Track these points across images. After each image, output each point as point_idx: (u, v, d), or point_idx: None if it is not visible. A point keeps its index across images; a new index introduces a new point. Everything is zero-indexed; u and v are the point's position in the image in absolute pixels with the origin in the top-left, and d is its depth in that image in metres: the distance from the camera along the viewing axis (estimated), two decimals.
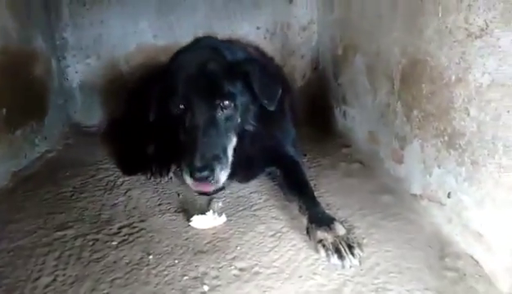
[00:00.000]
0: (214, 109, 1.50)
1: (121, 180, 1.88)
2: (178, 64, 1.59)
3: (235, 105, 1.53)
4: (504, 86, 1.07)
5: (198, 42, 1.70)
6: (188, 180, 1.45)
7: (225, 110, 1.51)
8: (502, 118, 1.08)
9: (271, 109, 1.54)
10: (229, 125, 1.53)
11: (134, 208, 1.64)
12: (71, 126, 2.55)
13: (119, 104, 2.50)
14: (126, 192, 1.77)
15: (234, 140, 1.55)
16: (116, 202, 1.69)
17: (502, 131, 1.09)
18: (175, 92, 1.51)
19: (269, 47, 2.48)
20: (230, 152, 1.52)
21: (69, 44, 2.56)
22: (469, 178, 1.23)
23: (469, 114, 1.21)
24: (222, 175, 1.46)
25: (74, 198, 1.74)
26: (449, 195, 1.32)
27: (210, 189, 1.48)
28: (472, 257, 1.23)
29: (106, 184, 1.84)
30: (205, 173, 1.40)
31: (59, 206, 1.67)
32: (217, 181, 1.45)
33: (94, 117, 2.63)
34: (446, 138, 1.33)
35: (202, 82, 1.49)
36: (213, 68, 1.51)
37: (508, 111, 1.06)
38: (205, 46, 1.64)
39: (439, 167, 1.38)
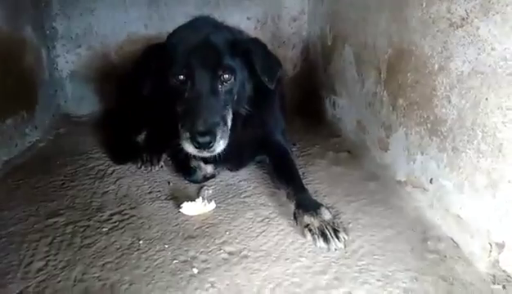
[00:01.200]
0: (216, 80, 1.50)
1: (112, 169, 1.89)
2: (178, 38, 1.59)
3: (234, 80, 1.54)
4: (483, 75, 1.11)
5: (197, 20, 1.70)
6: (188, 146, 1.44)
7: (225, 83, 1.52)
8: (481, 105, 1.12)
9: (271, 87, 1.56)
10: (228, 99, 1.54)
11: (125, 196, 1.66)
12: (62, 116, 2.55)
13: (109, 94, 2.50)
14: (116, 180, 1.78)
15: (231, 114, 1.56)
16: (107, 190, 1.71)
17: (481, 118, 1.13)
18: (175, 63, 1.51)
19: (260, 38, 2.49)
20: (229, 122, 1.53)
21: (59, 34, 2.54)
22: (449, 164, 1.27)
23: (450, 102, 1.25)
24: (222, 143, 1.45)
25: (64, 186, 1.75)
26: (431, 181, 1.37)
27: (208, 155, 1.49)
28: (452, 240, 1.28)
29: (97, 173, 1.85)
30: (207, 138, 1.40)
31: (50, 194, 1.69)
32: (216, 148, 1.44)
33: (85, 107, 2.62)
34: (428, 125, 1.37)
35: (204, 52, 1.50)
36: (215, 40, 1.53)
37: (486, 98, 1.10)
38: (205, 22, 1.66)
39: (422, 153, 1.42)
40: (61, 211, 1.56)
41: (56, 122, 2.45)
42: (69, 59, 2.62)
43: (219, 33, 1.57)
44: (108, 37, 2.59)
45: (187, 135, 1.42)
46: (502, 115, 1.04)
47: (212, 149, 1.42)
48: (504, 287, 1.08)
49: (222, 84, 1.51)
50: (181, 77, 1.50)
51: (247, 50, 1.55)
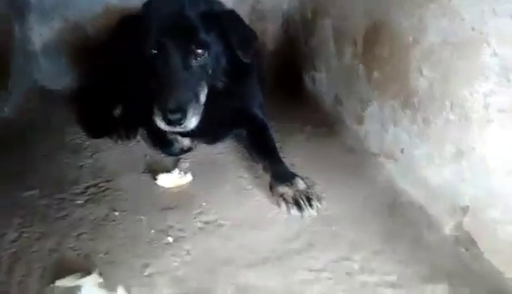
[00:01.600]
0: (189, 55, 1.47)
1: (87, 143, 1.86)
2: (152, 9, 1.54)
3: (208, 54, 1.51)
4: (453, 45, 1.13)
5: None
6: (160, 122, 1.44)
7: (199, 58, 1.48)
8: (450, 76, 1.15)
9: (246, 60, 1.54)
10: (202, 73, 1.50)
11: (101, 169, 1.65)
12: (36, 90, 2.48)
13: (85, 68, 2.44)
14: (92, 154, 1.77)
15: (205, 90, 1.54)
16: (82, 164, 1.69)
17: (450, 89, 1.16)
18: (148, 37, 1.47)
19: (239, 11, 2.43)
20: (202, 99, 1.51)
21: (32, 5, 2.45)
22: (420, 134, 1.31)
23: (422, 74, 1.28)
24: (194, 120, 1.45)
25: (39, 161, 1.72)
26: (402, 151, 1.41)
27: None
28: (420, 205, 1.32)
29: (72, 148, 1.82)
30: (178, 115, 1.40)
31: (24, 168, 1.66)
32: (187, 125, 1.44)
33: (60, 81, 2.55)
34: (402, 98, 1.39)
35: (177, 26, 1.46)
36: (189, 14, 1.49)
37: (455, 69, 1.13)
38: None
39: (395, 125, 1.45)
40: (36, 185, 1.53)
41: (30, 97, 2.39)
42: (43, 31, 2.53)
43: (194, 5, 1.52)
44: (83, 10, 2.51)
45: (159, 112, 1.41)
46: (469, 85, 1.07)
47: (183, 126, 1.42)
48: (467, 249, 1.13)
49: (195, 59, 1.48)
50: (154, 51, 1.47)
51: (222, 23, 1.51)
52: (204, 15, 1.51)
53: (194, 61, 1.48)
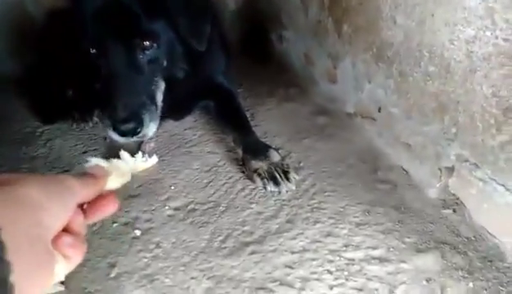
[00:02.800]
0: (134, 50, 1.25)
1: (40, 130, 1.70)
2: (83, 1, 1.29)
3: (158, 46, 1.28)
4: None
5: None
6: (112, 134, 1.22)
7: (147, 52, 1.26)
8: (427, 22, 1.04)
9: (201, 49, 1.32)
10: (154, 68, 1.29)
11: (56, 159, 1.50)
12: None
13: (30, 49, 2.21)
14: (46, 142, 1.61)
15: (162, 86, 1.33)
16: (36, 154, 1.54)
17: (428, 37, 1.05)
18: (83, 34, 1.25)
19: None
20: (159, 99, 1.30)
21: None
22: (397, 90, 1.21)
23: (395, 22, 1.16)
24: (152, 127, 1.25)
25: None
26: (379, 110, 1.31)
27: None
28: (402, 168, 1.25)
29: (24, 137, 1.66)
30: (131, 125, 1.18)
31: None
32: (146, 133, 1.24)
33: (2, 64, 2.32)
34: (374, 51, 1.28)
35: (115, 19, 1.22)
36: (129, 2, 1.25)
37: (432, 15, 1.01)
38: None
39: (370, 82, 1.35)
40: None
41: None
42: None
43: None
44: None
45: (108, 122, 1.20)
46: (449, 32, 0.96)
47: (141, 136, 1.22)
48: (454, 210, 1.07)
49: (142, 53, 1.25)
50: (93, 50, 1.25)
51: (167, 8, 1.28)
52: (147, 0, 1.26)
53: (141, 56, 1.26)
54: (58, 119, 1.72)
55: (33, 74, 2.06)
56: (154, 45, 1.27)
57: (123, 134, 1.20)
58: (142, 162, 1.40)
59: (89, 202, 0.59)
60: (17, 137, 1.66)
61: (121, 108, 1.18)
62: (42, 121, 1.74)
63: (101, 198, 0.61)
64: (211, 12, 1.47)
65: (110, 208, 0.61)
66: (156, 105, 1.28)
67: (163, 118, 1.41)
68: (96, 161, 0.90)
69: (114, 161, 0.96)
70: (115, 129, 1.19)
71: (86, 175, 0.61)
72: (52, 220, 0.47)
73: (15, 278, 0.40)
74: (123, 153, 0.99)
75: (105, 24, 1.22)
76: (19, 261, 0.40)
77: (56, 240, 0.48)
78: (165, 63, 1.33)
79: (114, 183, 0.72)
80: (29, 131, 1.70)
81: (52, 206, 0.48)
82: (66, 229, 0.51)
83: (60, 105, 1.75)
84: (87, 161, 0.89)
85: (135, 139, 1.26)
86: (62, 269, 0.50)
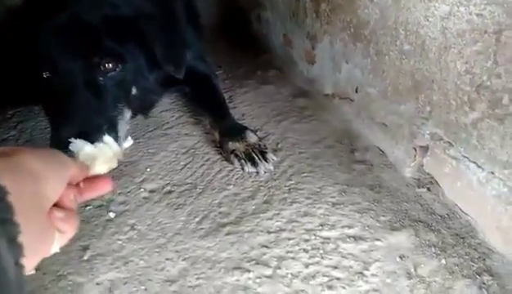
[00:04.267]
0: (92, 70, 1.09)
1: (11, 112, 1.64)
2: (37, 11, 1.15)
3: (123, 69, 1.14)
4: None
5: None
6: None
7: (109, 74, 1.12)
8: None
9: (180, 76, 1.21)
10: (118, 94, 1.14)
11: (28, 142, 1.45)
12: None
13: None
14: (17, 124, 1.55)
15: (127, 115, 1.19)
16: (6, 136, 1.49)
17: (403, 14, 1.04)
18: (36, 53, 1.10)
19: None
20: (121, 129, 1.13)
21: None
22: (373, 69, 1.20)
23: (372, 0, 1.14)
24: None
25: None
26: (356, 90, 1.31)
27: None
28: (378, 148, 1.25)
29: None
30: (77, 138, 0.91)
31: None
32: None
33: None
34: (352, 30, 1.27)
35: (74, 36, 1.08)
36: (90, 20, 1.11)
37: None
38: None
39: (347, 62, 1.34)
40: None
41: None
42: None
43: (94, 7, 1.13)
44: None
45: (52, 141, 1.02)
46: (424, 8, 0.96)
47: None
48: (428, 189, 1.08)
49: (103, 75, 1.11)
50: (47, 73, 1.10)
51: (139, 31, 1.15)
52: (111, 19, 1.13)
53: (101, 78, 1.11)
54: (30, 102, 1.66)
55: (4, 54, 1.99)
56: (118, 68, 1.13)
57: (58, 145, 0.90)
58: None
59: (85, 181, 0.60)
60: None
61: (67, 130, 0.95)
62: (11, 103, 1.68)
63: (97, 177, 0.64)
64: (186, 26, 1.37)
65: (106, 187, 0.62)
66: (117, 136, 1.09)
67: (132, 116, 1.28)
68: (81, 143, 0.85)
69: (100, 145, 0.92)
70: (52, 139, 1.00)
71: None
72: (50, 190, 0.49)
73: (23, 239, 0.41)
74: (107, 138, 0.93)
75: (63, 43, 1.08)
76: (25, 225, 0.41)
77: (48, 214, 0.49)
78: (134, 91, 1.21)
79: (100, 168, 0.70)
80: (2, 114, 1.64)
81: (50, 176, 0.49)
82: (58, 205, 0.52)
83: (30, 89, 1.69)
84: (71, 143, 0.83)
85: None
86: (56, 242, 0.51)
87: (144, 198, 1.16)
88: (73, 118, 1.01)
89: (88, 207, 1.12)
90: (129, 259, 0.97)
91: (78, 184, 0.60)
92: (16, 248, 0.40)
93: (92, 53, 1.10)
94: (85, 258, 0.98)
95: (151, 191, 1.19)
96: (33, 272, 0.93)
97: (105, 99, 1.11)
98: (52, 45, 1.08)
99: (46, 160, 0.50)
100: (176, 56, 1.23)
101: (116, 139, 1.05)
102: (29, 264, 0.43)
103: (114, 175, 1.25)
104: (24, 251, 0.41)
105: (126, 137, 1.38)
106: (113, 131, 1.07)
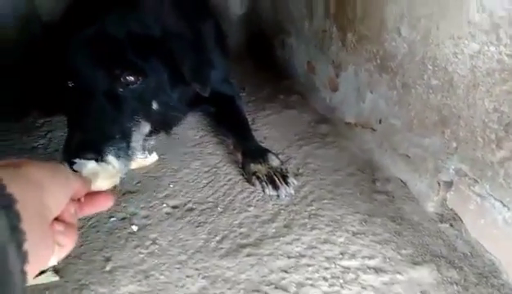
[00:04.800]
0: (113, 82, 1.14)
1: (41, 121, 1.70)
2: (65, 26, 1.25)
3: (144, 83, 1.18)
4: (434, 1, 1.03)
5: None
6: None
7: (130, 87, 1.16)
8: (431, 35, 1.05)
9: (205, 94, 1.27)
10: (137, 107, 1.18)
11: (56, 151, 1.50)
12: None
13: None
14: (47, 134, 1.61)
15: (144, 129, 1.23)
16: (35, 144, 1.54)
17: (432, 50, 1.06)
18: (60, 64, 1.17)
19: None
20: (135, 141, 1.15)
21: None
22: (399, 101, 1.22)
23: (400, 34, 1.17)
24: (120, 163, 1.03)
25: None
26: (380, 121, 1.32)
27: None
28: (400, 180, 1.25)
29: (24, 126, 1.66)
30: (87, 155, 0.94)
31: None
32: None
33: (12, 53, 2.32)
34: (378, 61, 1.29)
35: (98, 48, 1.14)
36: (116, 34, 1.18)
37: (437, 27, 1.03)
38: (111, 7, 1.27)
39: (372, 92, 1.36)
40: None
41: None
42: None
43: (119, 24, 1.20)
44: None
45: (62, 148, 1.09)
46: (453, 45, 0.97)
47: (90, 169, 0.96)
48: (451, 224, 1.07)
49: (124, 88, 1.16)
50: (70, 82, 1.17)
51: (166, 49, 1.21)
52: (136, 35, 1.19)
53: (121, 90, 1.15)
54: (59, 112, 1.72)
55: (38, 65, 2.07)
56: (139, 81, 1.17)
57: (69, 159, 0.93)
58: (142, 159, 1.42)
59: (86, 196, 0.62)
60: (18, 127, 1.66)
61: (79, 138, 1.02)
62: (42, 113, 1.74)
63: (98, 193, 0.65)
64: (205, 7, 1.43)
65: (106, 203, 0.64)
66: (129, 146, 1.11)
67: (154, 131, 1.34)
68: (84, 162, 0.88)
69: (103, 164, 0.95)
70: (66, 158, 0.97)
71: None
72: (54, 202, 0.50)
73: (27, 247, 0.42)
74: (111, 158, 0.95)
75: (88, 54, 1.14)
76: (30, 234, 0.43)
77: (50, 226, 0.50)
78: (155, 105, 1.25)
79: (102, 184, 0.73)
80: (30, 120, 1.70)
81: (54, 189, 0.51)
82: (59, 218, 0.53)
83: (60, 98, 1.75)
84: (75, 163, 0.86)
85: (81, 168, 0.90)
86: (55, 255, 0.52)
87: (166, 213, 1.18)
88: (86, 125, 1.06)
89: (112, 219, 1.15)
90: (150, 273, 0.98)
91: (79, 200, 0.61)
92: (22, 255, 0.42)
93: (114, 65, 1.15)
94: (107, 269, 1.00)
95: (174, 207, 1.21)
96: (56, 278, 0.96)
97: (122, 110, 1.14)
98: (78, 56, 1.15)
99: (51, 174, 0.52)
100: (203, 75, 1.28)
101: (127, 149, 1.10)
102: (30, 272, 0.44)
103: (139, 188, 1.28)
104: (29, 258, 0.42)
105: (151, 152, 1.42)
106: (125, 141, 1.10)
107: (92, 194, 0.64)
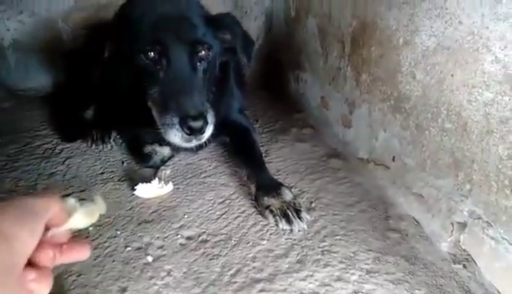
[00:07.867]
0: (194, 57, 1.30)
1: (60, 147, 1.74)
2: (141, 10, 1.34)
3: (210, 59, 1.35)
4: (449, 50, 1.07)
5: None
6: (175, 134, 1.21)
7: (203, 61, 1.32)
8: (446, 81, 1.09)
9: (249, 66, 1.54)
10: (204, 79, 1.35)
11: (74, 177, 1.54)
12: (5, 89, 2.32)
13: (58, 66, 2.30)
14: (65, 160, 1.65)
15: (208, 96, 1.38)
16: (54, 171, 1.58)
17: (446, 95, 1.09)
18: (142, 39, 1.27)
19: (220, 8, 2.34)
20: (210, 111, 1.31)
21: None
22: (412, 142, 1.25)
23: (414, 78, 1.21)
24: (211, 129, 1.26)
25: (7, 167, 1.60)
26: (393, 159, 1.34)
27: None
28: (414, 218, 1.27)
29: (44, 152, 1.70)
30: (199, 123, 1.19)
31: None
32: (205, 135, 1.24)
33: (31, 79, 2.39)
34: (392, 102, 1.33)
35: (178, 26, 1.28)
36: (190, 15, 1.33)
37: (452, 75, 1.07)
38: None
39: (385, 130, 1.39)
40: (2, 195, 1.41)
41: None
42: (11, 26, 2.36)
43: (193, 8, 1.39)
44: (54, 4, 2.35)
45: (174, 120, 1.20)
46: (468, 93, 1.01)
47: (202, 136, 1.24)
48: (464, 266, 1.08)
49: (199, 62, 1.32)
50: (153, 54, 1.26)
51: (221, 27, 1.39)
52: (204, 16, 1.38)
53: (199, 64, 1.32)
54: (78, 138, 1.77)
55: (59, 91, 2.14)
56: (209, 56, 1.34)
57: (191, 132, 1.19)
58: (158, 189, 1.45)
59: (67, 243, 0.61)
60: (38, 152, 1.70)
61: (191, 106, 1.20)
62: (63, 138, 1.79)
63: (77, 243, 0.63)
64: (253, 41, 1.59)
65: (82, 253, 0.63)
66: (211, 111, 1.28)
67: (179, 148, 1.47)
68: (69, 201, 0.89)
69: (86, 203, 0.97)
70: (183, 126, 1.18)
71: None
72: (24, 247, 0.50)
73: None
74: (97, 198, 0.98)
75: (168, 31, 1.26)
76: None
77: (21, 276, 0.49)
78: (207, 78, 1.38)
79: (79, 222, 0.72)
80: (50, 147, 1.75)
81: (23, 234, 0.50)
82: (33, 262, 0.53)
83: (80, 125, 1.80)
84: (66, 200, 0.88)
85: (194, 142, 1.25)
86: None
87: (181, 244, 1.20)
88: (188, 98, 1.22)
89: (128, 248, 1.17)
90: None
91: (61, 245, 0.60)
92: None
93: (195, 42, 1.29)
94: None
95: (188, 238, 1.22)
96: None
97: (200, 82, 1.32)
98: (161, 31, 1.26)
99: (18, 218, 0.51)
100: (249, 50, 1.49)
101: (212, 113, 1.27)
102: None
103: (154, 218, 1.31)
104: None
105: (167, 182, 1.45)
106: (210, 106, 1.28)
107: (71, 243, 0.62)
